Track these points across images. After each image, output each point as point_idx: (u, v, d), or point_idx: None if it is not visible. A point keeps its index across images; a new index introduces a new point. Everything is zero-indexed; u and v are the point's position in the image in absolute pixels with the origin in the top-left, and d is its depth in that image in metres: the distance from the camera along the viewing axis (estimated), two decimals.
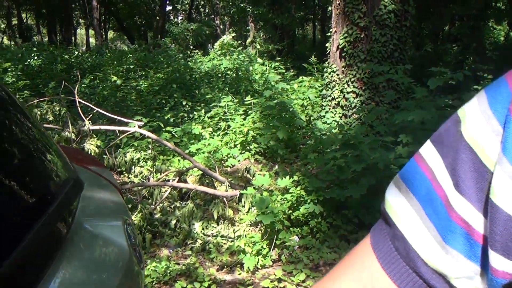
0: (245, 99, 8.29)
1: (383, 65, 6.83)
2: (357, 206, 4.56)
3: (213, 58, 14.68)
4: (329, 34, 8.02)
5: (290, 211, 4.70)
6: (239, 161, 6.63)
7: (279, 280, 4.03)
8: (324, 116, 7.70)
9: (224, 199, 5.13)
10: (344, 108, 7.53)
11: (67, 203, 0.99)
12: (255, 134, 6.93)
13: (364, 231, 4.49)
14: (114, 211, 1.35)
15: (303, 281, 4.01)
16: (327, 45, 8.22)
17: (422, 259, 0.57)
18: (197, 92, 10.33)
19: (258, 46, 15.62)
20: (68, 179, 1.10)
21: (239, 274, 4.25)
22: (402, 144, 4.64)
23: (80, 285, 0.91)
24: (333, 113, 7.66)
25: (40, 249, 0.89)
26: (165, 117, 8.57)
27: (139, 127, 6.03)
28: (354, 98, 7.36)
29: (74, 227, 1.08)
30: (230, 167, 6.61)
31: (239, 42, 17.28)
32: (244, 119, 7.50)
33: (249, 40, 22.56)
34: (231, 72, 12.02)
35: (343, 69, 7.49)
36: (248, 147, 6.92)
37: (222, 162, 6.74)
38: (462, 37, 11.88)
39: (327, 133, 6.20)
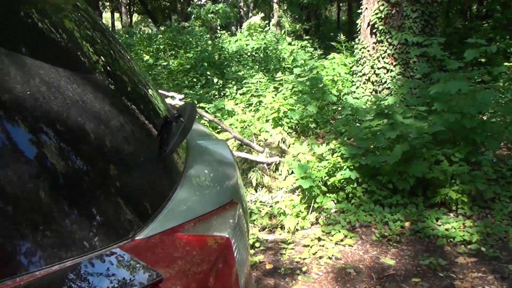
0: (275, 76, 8.52)
1: (416, 40, 6.97)
2: (391, 172, 4.77)
3: (240, 39, 14.88)
4: (359, 10, 8.15)
5: (327, 178, 4.93)
6: (271, 135, 6.88)
7: (319, 239, 4.29)
8: (354, 92, 7.88)
9: (265, 165, 5.39)
10: (375, 83, 7.69)
11: (193, 118, 1.22)
12: (286, 110, 7.16)
13: (398, 196, 4.72)
14: (214, 137, 1.60)
15: (341, 240, 4.26)
16: (357, 21, 8.36)
17: None
18: (228, 70, 10.57)
19: (287, 26, 15.76)
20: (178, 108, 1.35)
21: (280, 234, 4.53)
22: (437, 112, 4.81)
23: (209, 181, 1.16)
24: (363, 88, 7.84)
25: (179, 155, 1.14)
26: (198, 94, 8.85)
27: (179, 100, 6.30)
28: (385, 74, 7.52)
29: (190, 142, 1.33)
30: (263, 141, 6.86)
31: (265, 23, 17.42)
32: (275, 95, 7.72)
33: (273, 21, 22.63)
34: (260, 52, 12.22)
35: (373, 45, 7.64)
36: (280, 122, 7.15)
37: (255, 136, 7.00)
38: (493, 14, 11.89)
39: (357, 108, 6.39)
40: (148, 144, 0.96)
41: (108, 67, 1.04)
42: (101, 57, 1.03)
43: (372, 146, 4.98)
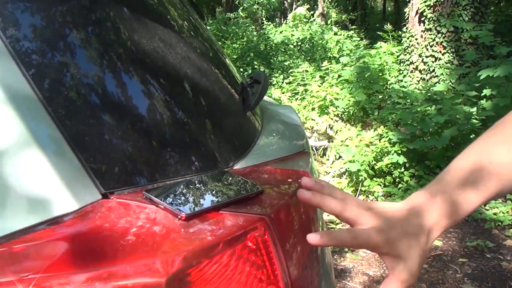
0: (321, 66, 8.61)
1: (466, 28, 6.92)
2: (439, 157, 4.82)
3: (285, 30, 14.98)
4: None
5: (374, 162, 5.03)
6: (317, 123, 6.99)
7: None
8: (401, 80, 7.89)
9: (313, 149, 5.53)
10: (422, 72, 7.68)
11: (267, 82, 1.39)
12: (332, 98, 7.25)
13: None
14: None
15: None
16: (405, 10, 8.34)
17: None
18: (274, 59, 10.72)
19: (334, 15, 15.77)
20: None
21: (328, 215, 4.68)
22: (486, 98, 4.83)
23: (284, 134, 1.32)
24: (411, 77, 7.84)
25: (257, 113, 1.31)
26: None
27: None
28: (433, 62, 7.50)
29: (263, 106, 1.50)
30: (310, 128, 6.98)
31: (311, 13, 17.45)
32: (321, 84, 7.82)
33: (317, 12, 22.55)
34: (305, 42, 12.30)
35: (422, 33, 7.63)
36: (326, 110, 7.26)
37: (302, 124, 7.12)
38: None
39: (407, 92, 6.43)
40: (235, 101, 1.14)
41: (200, 37, 1.22)
42: (196, 29, 1.22)
43: (419, 132, 5.04)
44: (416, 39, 7.75)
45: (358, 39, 11.83)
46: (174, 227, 0.68)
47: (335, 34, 12.27)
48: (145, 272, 0.59)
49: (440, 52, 7.42)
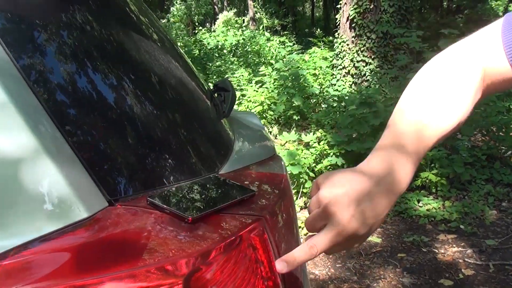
0: (256, 71, 8.77)
1: (394, 34, 7.29)
2: None
3: (218, 35, 15.06)
4: (339, 6, 8.44)
5: (314, 164, 5.19)
6: None
7: None
8: (335, 84, 8.18)
9: None
10: (354, 76, 8.00)
11: (234, 89, 1.45)
12: (269, 103, 7.39)
13: None
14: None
15: None
16: (337, 16, 8.66)
17: None
18: (209, 65, 10.77)
19: (265, 21, 16.03)
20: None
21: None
22: None
23: (254, 139, 1.38)
24: (343, 81, 8.14)
25: (226, 120, 1.37)
26: None
27: None
28: (364, 67, 7.83)
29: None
30: None
31: (242, 18, 17.63)
32: (258, 89, 7.95)
33: (247, 17, 22.80)
34: (239, 47, 12.44)
35: (353, 39, 7.95)
36: (263, 115, 7.39)
37: None
38: (465, 9, 12.36)
39: (340, 99, 6.67)
40: (211, 109, 1.19)
41: (169, 46, 1.26)
42: (165, 39, 1.26)
43: (356, 134, 5.26)
44: (348, 44, 8.06)
45: (291, 44, 12.11)
46: (183, 230, 0.72)
47: (268, 39, 12.50)
48: (165, 272, 0.63)
49: (371, 57, 7.76)
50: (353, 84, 8.00)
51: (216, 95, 1.35)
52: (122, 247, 0.67)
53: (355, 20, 7.84)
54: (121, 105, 0.86)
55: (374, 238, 4.17)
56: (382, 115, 5.04)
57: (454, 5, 13.93)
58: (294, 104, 7.01)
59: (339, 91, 7.79)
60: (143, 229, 0.72)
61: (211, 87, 1.47)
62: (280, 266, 0.73)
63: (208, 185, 0.88)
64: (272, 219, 0.83)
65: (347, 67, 8.11)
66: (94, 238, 0.68)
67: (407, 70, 7.16)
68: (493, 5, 18.03)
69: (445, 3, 16.48)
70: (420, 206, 4.67)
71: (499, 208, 4.56)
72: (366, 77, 7.77)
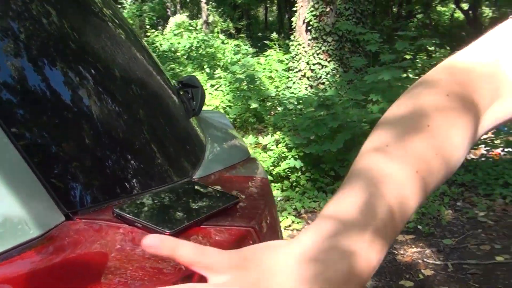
0: (211, 74, 8.63)
1: (349, 37, 7.32)
2: (333, 160, 5.02)
3: (171, 38, 14.81)
4: (295, 8, 8.42)
5: (272, 167, 5.11)
6: None
7: None
8: (291, 87, 8.14)
9: None
10: (310, 79, 7.99)
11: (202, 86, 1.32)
12: (225, 106, 7.28)
13: (340, 183, 4.98)
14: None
15: (289, 225, 4.45)
16: (292, 19, 8.64)
17: None
18: (164, 67, 10.54)
19: (219, 24, 15.90)
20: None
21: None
22: (372, 102, 5.13)
23: (227, 140, 1.27)
24: (299, 84, 8.12)
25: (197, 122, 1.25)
26: None
27: None
28: (320, 69, 7.83)
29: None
30: None
31: (196, 21, 17.44)
32: (212, 92, 7.83)
33: (201, 20, 22.63)
34: (193, 50, 12.25)
35: (309, 41, 7.94)
36: None
37: None
38: (416, 14, 12.70)
39: (298, 100, 6.64)
40: (178, 106, 1.06)
41: (138, 44, 1.12)
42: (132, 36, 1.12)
43: (314, 136, 5.21)
44: (304, 47, 8.04)
45: (246, 47, 12.03)
46: None
47: (223, 42, 12.38)
48: None
49: (327, 60, 7.77)
50: (309, 87, 7.99)
51: (181, 92, 1.23)
52: (82, 272, 0.53)
53: (311, 23, 7.83)
54: (79, 103, 0.73)
55: None
56: (340, 117, 5.02)
57: (404, 11, 14.30)
58: (251, 107, 6.92)
59: (295, 94, 7.75)
60: (110, 248, 0.59)
61: (175, 84, 1.34)
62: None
63: (184, 192, 0.76)
64: (261, 230, 0.71)
65: (303, 69, 8.09)
66: (47, 262, 0.55)
67: (363, 73, 7.21)
68: (441, 10, 18.68)
69: (394, 9, 16.87)
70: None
71: (454, 208, 4.61)
72: (322, 79, 7.77)
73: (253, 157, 1.12)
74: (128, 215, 0.65)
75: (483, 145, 5.62)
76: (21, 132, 0.63)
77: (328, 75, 7.74)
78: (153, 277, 0.55)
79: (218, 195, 0.75)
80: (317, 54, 7.84)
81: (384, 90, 5.26)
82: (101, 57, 0.88)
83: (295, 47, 8.24)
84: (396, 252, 3.89)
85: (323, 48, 7.76)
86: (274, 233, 0.80)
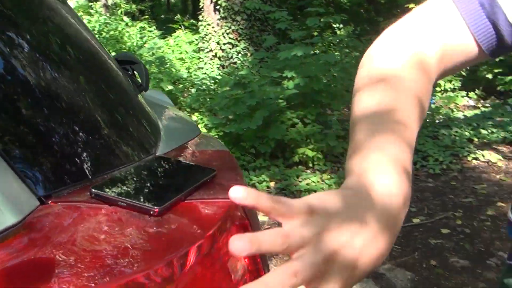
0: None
1: (258, 15, 7.35)
2: (253, 138, 5.05)
3: None
4: None
5: None
6: None
7: None
8: (202, 68, 8.05)
9: None
10: (222, 59, 7.94)
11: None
12: None
13: (260, 160, 5.04)
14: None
15: None
16: None
17: (505, 14, 0.69)
18: None
19: (122, 6, 15.29)
20: None
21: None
22: (288, 79, 5.20)
23: (175, 116, 1.21)
24: (211, 64, 8.05)
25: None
26: None
27: None
28: (231, 49, 7.80)
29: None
30: None
31: (95, 4, 16.66)
32: None
33: (100, 3, 21.67)
34: (96, 34, 11.72)
35: (218, 21, 7.86)
36: None
37: None
38: None
39: (214, 80, 6.59)
40: (127, 83, 1.00)
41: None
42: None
43: (232, 116, 5.21)
44: (213, 27, 7.97)
45: (152, 29, 11.71)
46: (149, 225, 0.55)
47: (127, 25, 11.96)
48: (153, 279, 0.46)
49: (236, 39, 7.76)
50: (220, 67, 7.94)
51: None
52: (69, 260, 0.48)
53: (219, 2, 7.75)
54: (39, 86, 0.65)
55: (261, 217, 4.16)
56: (257, 95, 5.04)
57: None
58: (165, 90, 6.77)
59: (208, 74, 7.68)
60: (97, 230, 0.53)
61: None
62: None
63: (159, 168, 0.71)
64: None
65: (213, 50, 8.02)
66: (29, 250, 0.48)
67: (273, 51, 7.28)
68: None
69: None
70: (299, 181, 4.77)
71: None
72: (234, 59, 7.76)
73: (204, 133, 1.09)
74: (109, 195, 0.59)
75: None
76: None
77: (240, 55, 7.74)
78: (144, 258, 0.51)
79: (194, 169, 0.72)
80: (227, 34, 7.80)
81: (297, 66, 5.36)
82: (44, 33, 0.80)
83: (204, 27, 8.14)
84: None
85: (232, 27, 7.73)
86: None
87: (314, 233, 0.45)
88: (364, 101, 0.66)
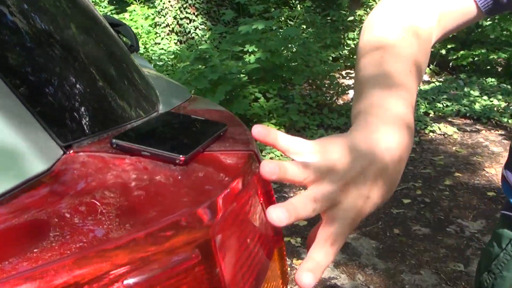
0: None
1: None
2: None
3: None
4: None
5: None
6: None
7: None
8: (159, 43, 7.90)
9: None
10: (179, 34, 7.82)
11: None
12: None
13: None
14: None
15: None
16: None
17: None
18: None
19: None
20: None
21: None
22: (249, 53, 5.19)
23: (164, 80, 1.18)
24: (168, 39, 7.90)
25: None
26: None
27: None
28: (188, 24, 7.68)
29: None
30: None
31: None
32: None
33: None
34: None
35: None
36: None
37: None
38: None
39: (174, 55, 6.49)
40: (124, 46, 0.97)
41: None
42: None
43: (194, 91, 5.16)
44: (170, 1, 7.81)
45: (104, 3, 11.35)
46: (177, 174, 0.55)
47: None
48: (190, 224, 0.46)
49: (194, 14, 7.64)
50: (178, 42, 7.82)
51: None
52: (101, 207, 0.47)
53: None
54: (60, 39, 0.62)
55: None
56: (219, 69, 5.00)
57: None
58: None
59: (165, 50, 7.55)
60: (124, 179, 0.52)
61: None
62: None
63: (172, 122, 0.70)
64: (258, 154, 0.69)
65: (170, 25, 7.87)
66: (63, 196, 0.47)
67: (231, 26, 7.22)
68: None
69: None
70: (263, 156, 4.80)
71: None
72: (191, 34, 7.64)
73: (196, 96, 1.07)
74: (131, 145, 0.58)
75: (351, 90, 6.01)
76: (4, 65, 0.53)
77: (197, 30, 7.63)
78: (175, 205, 0.51)
79: (206, 123, 0.71)
80: (184, 9, 7.66)
81: (258, 40, 5.34)
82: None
83: (161, 1, 7.97)
84: (286, 195, 4.07)
85: (189, 1, 7.60)
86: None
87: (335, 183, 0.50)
88: (368, 68, 0.70)
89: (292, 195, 4.06)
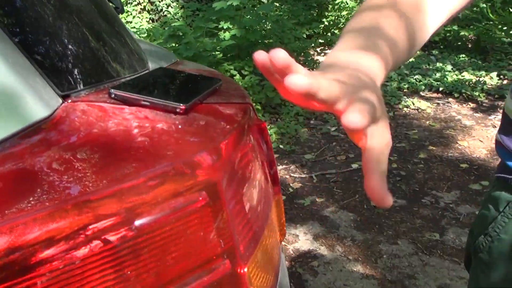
0: None
1: None
2: None
3: None
4: None
5: None
6: None
7: None
8: (131, 22, 7.76)
9: None
10: (151, 12, 7.69)
11: None
12: None
13: None
14: None
15: None
16: None
17: None
18: None
19: None
20: None
21: None
22: (224, 30, 5.14)
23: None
24: (140, 18, 7.77)
25: None
26: None
27: None
28: (160, 2, 7.55)
29: None
30: None
31: None
32: None
33: None
34: None
35: None
36: None
37: None
38: None
39: (148, 33, 6.38)
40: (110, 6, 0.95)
41: None
42: None
43: None
44: None
45: None
46: (178, 122, 0.54)
47: None
48: (197, 167, 0.46)
49: None
50: (150, 21, 7.69)
51: None
52: (105, 153, 0.46)
53: None
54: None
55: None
56: (194, 46, 4.96)
57: None
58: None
59: (137, 29, 7.43)
60: (126, 126, 0.51)
61: None
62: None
63: (168, 77, 0.69)
64: (254, 107, 0.68)
65: (142, 3, 7.73)
66: (66, 141, 0.46)
67: (204, 3, 7.13)
68: None
69: None
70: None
71: (309, 126, 4.95)
72: (164, 12, 7.53)
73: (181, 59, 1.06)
74: (130, 94, 0.57)
75: None
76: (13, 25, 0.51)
77: (170, 7, 7.52)
78: (180, 150, 0.50)
79: (201, 78, 0.70)
80: None
81: (233, 17, 5.29)
82: None
83: None
84: None
85: None
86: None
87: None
88: (357, 20, 0.68)
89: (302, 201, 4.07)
